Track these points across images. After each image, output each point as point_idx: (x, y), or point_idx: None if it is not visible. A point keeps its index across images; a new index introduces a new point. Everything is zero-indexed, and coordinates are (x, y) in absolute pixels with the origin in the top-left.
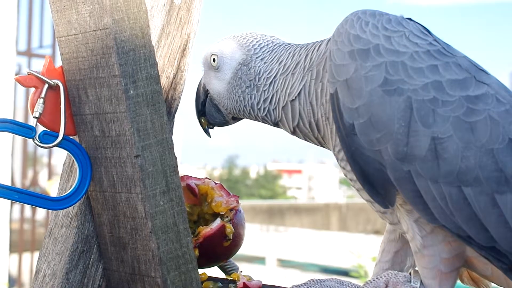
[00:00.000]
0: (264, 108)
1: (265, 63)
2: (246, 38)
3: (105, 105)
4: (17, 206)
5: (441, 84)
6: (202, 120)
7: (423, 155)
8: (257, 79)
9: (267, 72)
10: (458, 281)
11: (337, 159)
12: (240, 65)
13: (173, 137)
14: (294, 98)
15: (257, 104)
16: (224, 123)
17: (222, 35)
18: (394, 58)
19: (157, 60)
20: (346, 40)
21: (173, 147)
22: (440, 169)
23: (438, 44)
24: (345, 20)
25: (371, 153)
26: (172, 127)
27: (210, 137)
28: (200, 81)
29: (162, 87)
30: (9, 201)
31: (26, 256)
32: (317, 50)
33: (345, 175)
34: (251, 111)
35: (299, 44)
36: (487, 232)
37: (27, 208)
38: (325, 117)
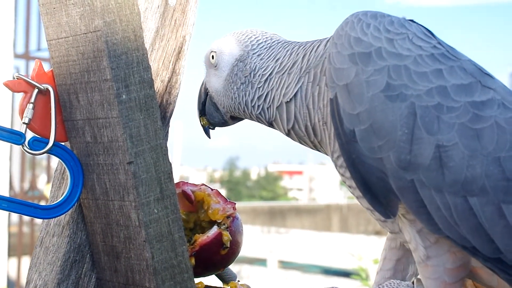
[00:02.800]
0: (258, 106)
1: (261, 59)
2: (245, 34)
3: (96, 110)
4: None
5: (446, 89)
6: (202, 120)
7: (427, 163)
8: (252, 76)
9: (263, 69)
10: None
11: (335, 165)
12: (236, 61)
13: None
14: (289, 99)
15: (251, 101)
16: (223, 123)
17: (217, 37)
18: (397, 62)
19: (151, 64)
20: (347, 43)
21: (167, 153)
22: (445, 178)
23: (442, 47)
24: (345, 22)
25: (372, 161)
26: (167, 132)
27: (209, 137)
28: (203, 80)
29: (157, 91)
30: None
31: (25, 259)
32: (315, 51)
33: (344, 182)
34: (245, 108)
35: (298, 42)
36: (493, 243)
37: None
38: (322, 121)
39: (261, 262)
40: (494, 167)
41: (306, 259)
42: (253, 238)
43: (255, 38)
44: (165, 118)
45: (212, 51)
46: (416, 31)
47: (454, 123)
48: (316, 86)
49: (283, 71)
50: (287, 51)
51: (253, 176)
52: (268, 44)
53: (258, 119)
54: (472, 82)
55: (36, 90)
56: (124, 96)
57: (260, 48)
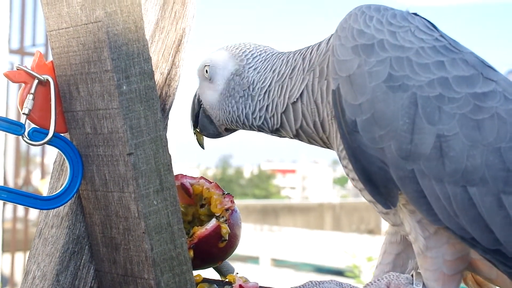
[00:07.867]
0: (260, 117)
1: (258, 72)
2: (239, 48)
3: (97, 101)
4: (9, 205)
5: (447, 81)
6: (197, 134)
7: (427, 153)
8: (251, 89)
9: (261, 82)
10: (462, 284)
11: (340, 158)
12: (232, 75)
13: (167, 136)
14: (296, 100)
15: (252, 113)
16: (217, 134)
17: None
18: (399, 53)
19: (151, 56)
20: (350, 35)
21: (167, 145)
22: (445, 168)
23: (445, 40)
24: (349, 15)
25: (373, 151)
26: (167, 124)
27: (204, 148)
28: (196, 92)
29: (156, 83)
30: (1, 201)
31: (19, 255)
32: (317, 50)
33: (347, 175)
34: (245, 120)
35: (291, 51)
36: (492, 234)
37: (20, 207)
38: (331, 115)
39: (254, 260)
40: (495, 157)
41: (298, 257)
42: (246, 236)
43: (249, 52)
44: (165, 111)
45: (205, 65)
46: (418, 24)
47: (455, 113)
48: (324, 81)
49: (282, 79)
50: (282, 60)
51: (246, 174)
52: (263, 57)
53: (260, 129)
54: (474, 74)
55: (36, 81)
56: (124, 87)
57: (256, 61)
